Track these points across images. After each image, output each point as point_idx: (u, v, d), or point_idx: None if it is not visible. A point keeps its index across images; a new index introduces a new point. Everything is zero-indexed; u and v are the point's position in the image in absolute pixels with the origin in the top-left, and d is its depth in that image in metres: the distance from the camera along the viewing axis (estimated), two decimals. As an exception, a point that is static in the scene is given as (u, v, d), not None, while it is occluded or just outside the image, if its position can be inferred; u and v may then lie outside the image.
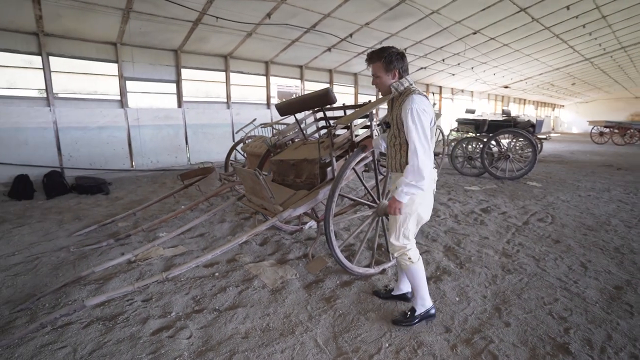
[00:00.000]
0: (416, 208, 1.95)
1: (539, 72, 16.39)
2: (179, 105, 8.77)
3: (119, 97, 7.76)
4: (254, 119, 7.18)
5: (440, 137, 7.62)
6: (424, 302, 2.09)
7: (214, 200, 4.89)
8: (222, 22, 7.10)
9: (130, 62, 7.71)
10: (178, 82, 8.63)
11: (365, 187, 2.77)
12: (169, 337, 1.96)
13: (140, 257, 2.99)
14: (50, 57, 6.74)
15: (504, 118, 8.71)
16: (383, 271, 2.81)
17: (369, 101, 2.99)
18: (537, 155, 6.70)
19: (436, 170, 2.09)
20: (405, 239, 2.01)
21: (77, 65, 7.17)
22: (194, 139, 8.99)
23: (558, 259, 3.05)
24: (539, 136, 8.94)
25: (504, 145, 7.32)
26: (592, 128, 17.94)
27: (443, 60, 12.29)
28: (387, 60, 1.90)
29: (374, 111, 2.97)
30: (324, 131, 3.67)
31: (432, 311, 2.12)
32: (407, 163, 1.87)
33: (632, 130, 16.43)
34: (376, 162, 2.75)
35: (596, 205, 4.88)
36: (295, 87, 11.63)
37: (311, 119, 3.76)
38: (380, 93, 2.08)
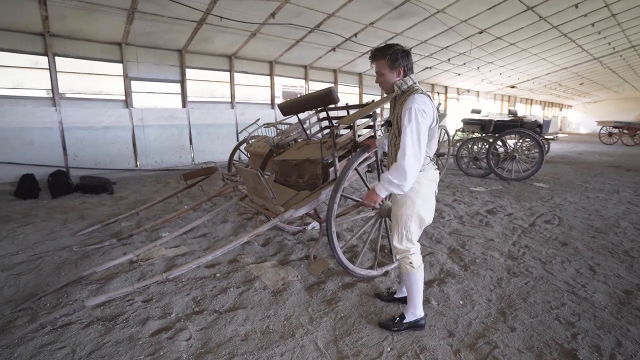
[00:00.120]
0: (417, 210, 1.91)
1: (546, 72, 16.20)
2: (184, 105, 8.80)
3: (123, 97, 7.81)
4: (258, 119, 7.18)
5: (446, 138, 7.55)
6: (415, 311, 2.02)
7: (216, 200, 4.88)
8: (226, 22, 7.11)
9: (134, 62, 7.75)
10: (182, 82, 8.66)
11: (368, 188, 2.73)
12: (168, 339, 1.95)
13: (142, 257, 2.98)
14: (56, 58, 6.81)
15: (510, 118, 8.60)
16: (386, 273, 2.77)
17: (372, 101, 2.96)
18: (544, 156, 6.60)
19: (438, 171, 2.05)
20: (408, 242, 1.97)
21: (82, 65, 7.24)
22: (198, 139, 9.02)
23: (565, 262, 2.98)
24: (546, 137, 8.82)
25: (510, 146, 7.22)
26: (601, 128, 17.66)
27: (449, 60, 12.19)
28: (392, 58, 1.85)
29: (378, 111, 2.94)
30: (327, 131, 3.64)
31: (422, 322, 2.03)
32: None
33: (642, 131, 16.15)
34: (379, 162, 2.71)
35: (605, 207, 4.78)
36: (300, 87, 11.62)
37: (314, 119, 3.73)
38: (383, 92, 2.04)
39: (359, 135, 2.92)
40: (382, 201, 2.72)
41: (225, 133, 9.45)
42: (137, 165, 8.02)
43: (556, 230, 3.81)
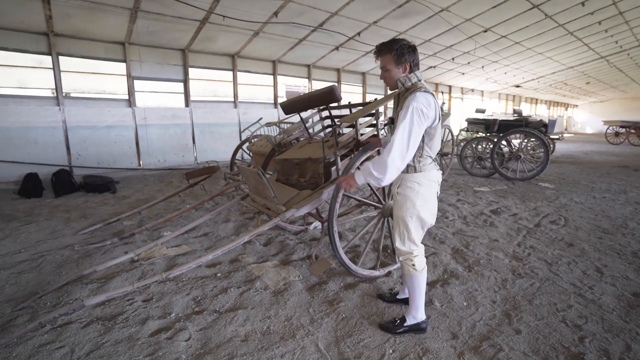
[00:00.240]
0: (418, 211, 1.87)
1: (551, 71, 16.04)
2: (187, 105, 8.80)
3: (127, 97, 7.82)
4: (260, 118, 7.16)
5: (450, 137, 7.48)
6: (417, 314, 1.98)
7: (218, 199, 4.87)
8: (229, 21, 7.10)
9: (138, 62, 7.77)
10: (185, 81, 8.66)
11: (371, 187, 2.70)
12: (168, 339, 1.93)
13: (143, 256, 2.97)
14: (60, 57, 6.83)
15: (515, 118, 8.51)
16: (388, 274, 2.73)
17: (375, 99, 2.92)
18: (549, 156, 6.52)
19: (441, 171, 2.01)
20: (411, 243, 1.93)
21: (86, 64, 7.26)
22: (201, 138, 9.02)
23: (572, 263, 2.93)
24: (551, 136, 8.72)
25: (515, 146, 7.15)
26: (607, 128, 17.45)
27: (453, 59, 12.11)
28: (399, 53, 1.81)
29: (381, 109, 2.90)
30: (329, 130, 3.61)
31: (424, 325, 1.99)
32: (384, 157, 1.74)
33: (649, 130, 15.94)
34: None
35: (612, 208, 4.70)
36: (303, 86, 11.59)
37: (317, 118, 3.70)
38: (388, 89, 2.00)
39: (362, 134, 2.88)
40: (383, 202, 2.71)
41: (228, 132, 9.45)
42: (140, 165, 8.03)
43: (562, 231, 3.75)
